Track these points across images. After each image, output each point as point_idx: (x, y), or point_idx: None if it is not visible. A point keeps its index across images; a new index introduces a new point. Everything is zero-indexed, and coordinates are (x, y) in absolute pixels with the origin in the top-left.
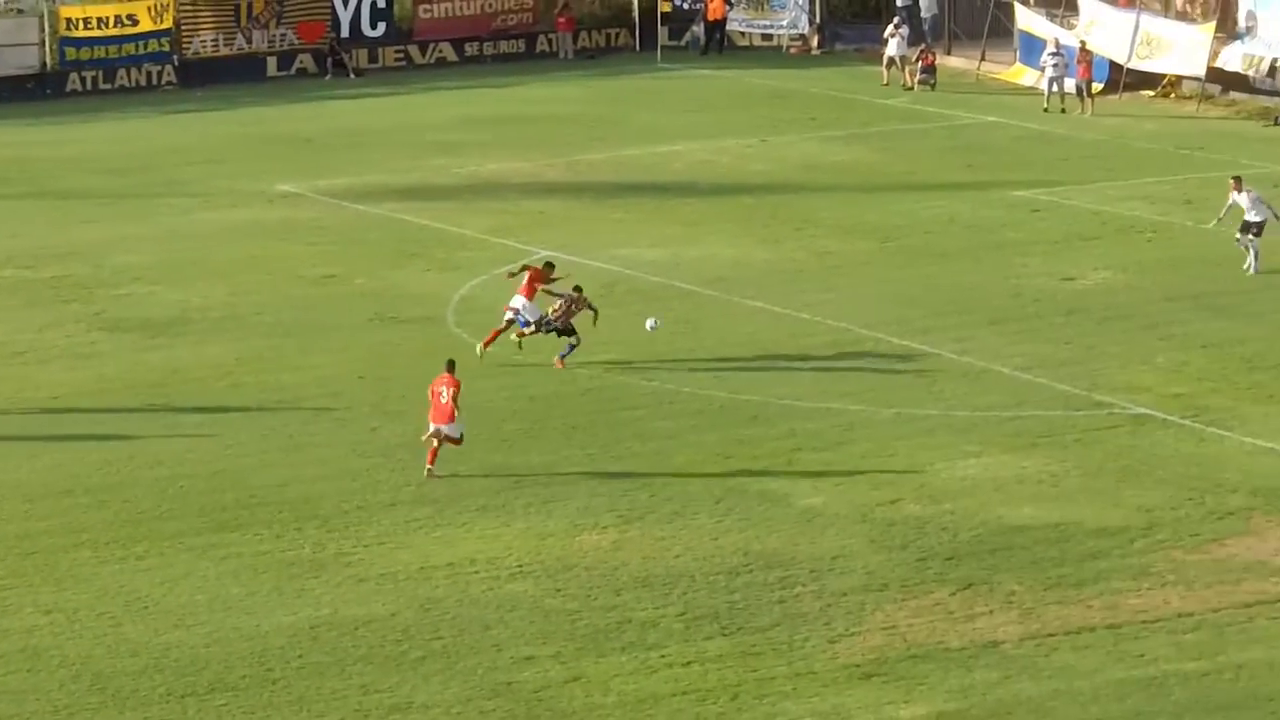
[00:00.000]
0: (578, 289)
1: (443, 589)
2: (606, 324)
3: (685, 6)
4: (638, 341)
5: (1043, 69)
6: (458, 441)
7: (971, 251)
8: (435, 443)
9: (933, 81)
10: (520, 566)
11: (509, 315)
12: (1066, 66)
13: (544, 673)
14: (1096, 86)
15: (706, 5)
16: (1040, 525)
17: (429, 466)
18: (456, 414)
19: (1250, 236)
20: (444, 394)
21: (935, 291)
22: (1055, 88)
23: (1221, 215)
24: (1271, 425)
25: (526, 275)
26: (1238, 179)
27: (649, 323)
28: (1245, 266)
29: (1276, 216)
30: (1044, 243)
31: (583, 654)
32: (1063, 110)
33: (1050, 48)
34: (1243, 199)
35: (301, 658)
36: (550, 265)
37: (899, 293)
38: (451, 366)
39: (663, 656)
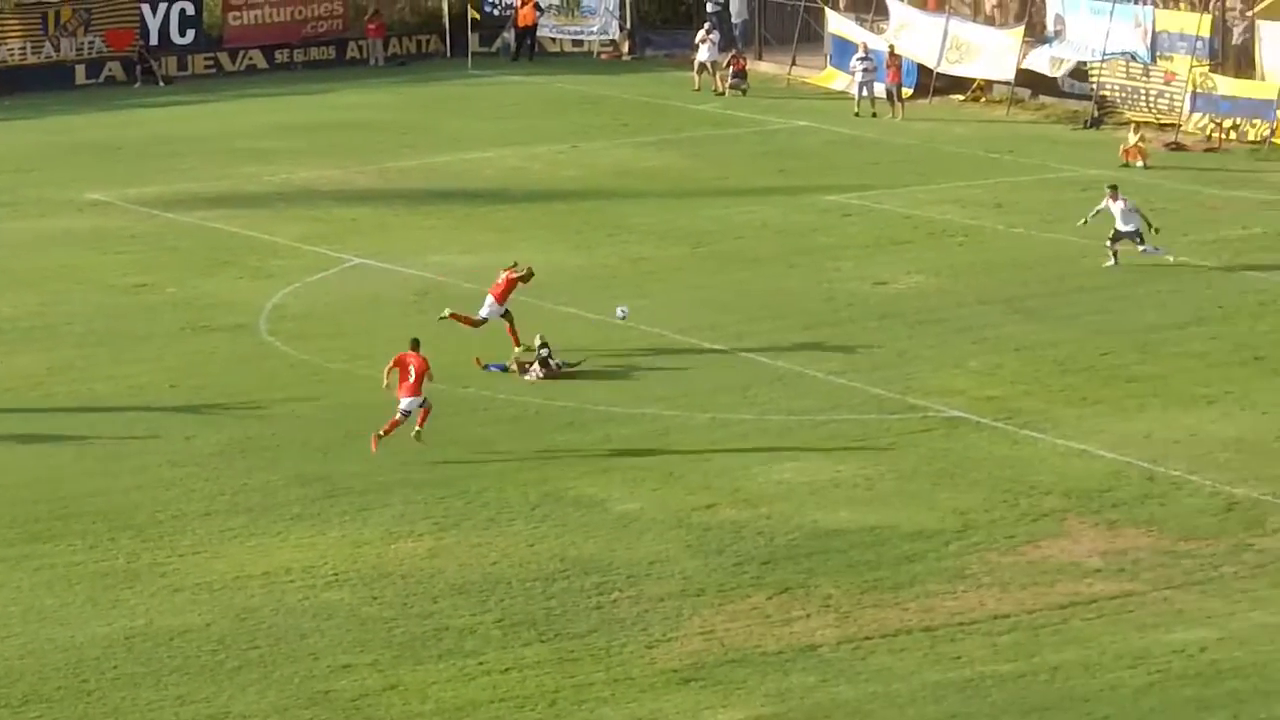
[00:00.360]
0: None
1: (258, 598)
2: (419, 331)
3: (495, 13)
4: (450, 349)
5: (853, 73)
6: (406, 416)
7: (784, 256)
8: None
9: (744, 87)
10: (336, 575)
11: (483, 315)
12: (876, 71)
13: (361, 681)
14: (906, 91)
15: (517, 11)
16: (856, 529)
17: (381, 434)
18: (420, 390)
19: (1119, 245)
20: (410, 371)
21: (748, 296)
22: (865, 92)
23: (1088, 217)
24: (1084, 427)
25: (503, 277)
26: (1114, 188)
27: (619, 310)
28: (1107, 265)
29: (1149, 224)
30: (856, 247)
31: (400, 662)
32: (873, 115)
33: (860, 52)
34: (1116, 208)
35: (117, 669)
36: (529, 272)
37: (712, 298)
38: (415, 345)
39: (480, 664)
